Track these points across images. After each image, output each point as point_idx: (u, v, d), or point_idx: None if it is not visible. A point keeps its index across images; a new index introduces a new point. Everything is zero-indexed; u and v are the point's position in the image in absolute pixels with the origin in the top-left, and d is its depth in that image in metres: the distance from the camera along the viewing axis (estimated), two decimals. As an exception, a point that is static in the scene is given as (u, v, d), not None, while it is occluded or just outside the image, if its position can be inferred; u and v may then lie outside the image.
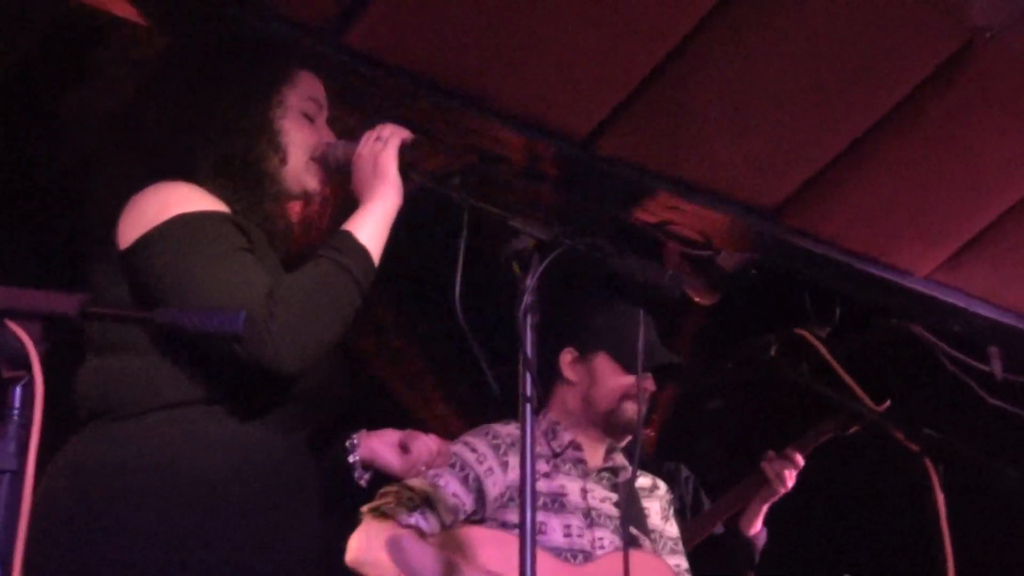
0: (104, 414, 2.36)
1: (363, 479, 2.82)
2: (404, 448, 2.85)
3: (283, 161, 2.60)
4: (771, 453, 4.19)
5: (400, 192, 2.56)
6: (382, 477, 2.91)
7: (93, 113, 3.61)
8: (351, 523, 3.19)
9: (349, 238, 2.48)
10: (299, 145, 2.63)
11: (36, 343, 1.54)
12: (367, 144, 2.60)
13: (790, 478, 4.18)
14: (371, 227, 2.51)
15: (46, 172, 3.82)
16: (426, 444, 2.87)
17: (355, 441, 2.81)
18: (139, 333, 2.37)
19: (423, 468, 2.88)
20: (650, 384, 3.55)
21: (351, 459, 2.80)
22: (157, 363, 2.36)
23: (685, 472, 4.54)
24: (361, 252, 2.47)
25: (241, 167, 2.55)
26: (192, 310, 1.69)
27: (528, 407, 2.20)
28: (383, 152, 2.56)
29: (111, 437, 2.33)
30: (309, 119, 2.68)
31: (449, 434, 3.49)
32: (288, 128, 2.63)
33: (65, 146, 3.76)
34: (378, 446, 2.83)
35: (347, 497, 2.90)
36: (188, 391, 2.35)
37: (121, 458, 2.30)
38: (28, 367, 1.54)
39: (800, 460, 4.17)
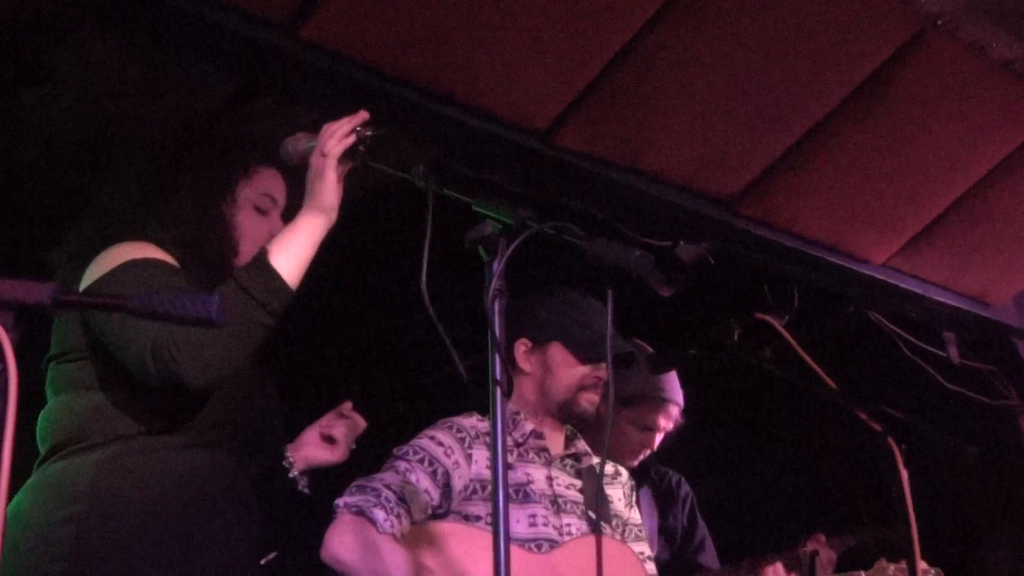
0: (65, 445, 2.55)
1: (304, 486, 3.05)
2: (329, 439, 3.08)
3: (234, 252, 2.76)
4: (820, 537, 4.00)
5: (330, 211, 2.64)
6: (323, 475, 3.10)
7: (51, 113, 3.61)
8: (326, 518, 3.21)
9: (260, 259, 2.58)
10: (249, 238, 2.77)
11: (8, 331, 1.54)
12: (315, 154, 2.66)
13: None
14: (290, 245, 2.61)
15: (5, 172, 3.80)
16: (341, 425, 3.08)
17: (289, 458, 3.03)
18: (87, 372, 2.59)
19: (353, 445, 3.09)
20: (603, 374, 3.56)
21: (292, 475, 3.03)
22: (112, 397, 2.56)
23: (685, 488, 4.48)
24: (268, 272, 2.56)
25: (193, 251, 2.71)
26: (165, 296, 1.70)
27: (498, 391, 2.21)
28: (323, 171, 2.63)
29: (74, 465, 2.51)
30: (262, 213, 2.82)
31: (414, 426, 3.50)
32: (240, 222, 2.79)
33: (23, 146, 3.75)
34: (307, 452, 3.07)
35: (303, 507, 3.09)
36: (138, 424, 2.54)
37: (83, 483, 2.48)
38: (1, 356, 1.54)
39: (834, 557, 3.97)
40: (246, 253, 2.74)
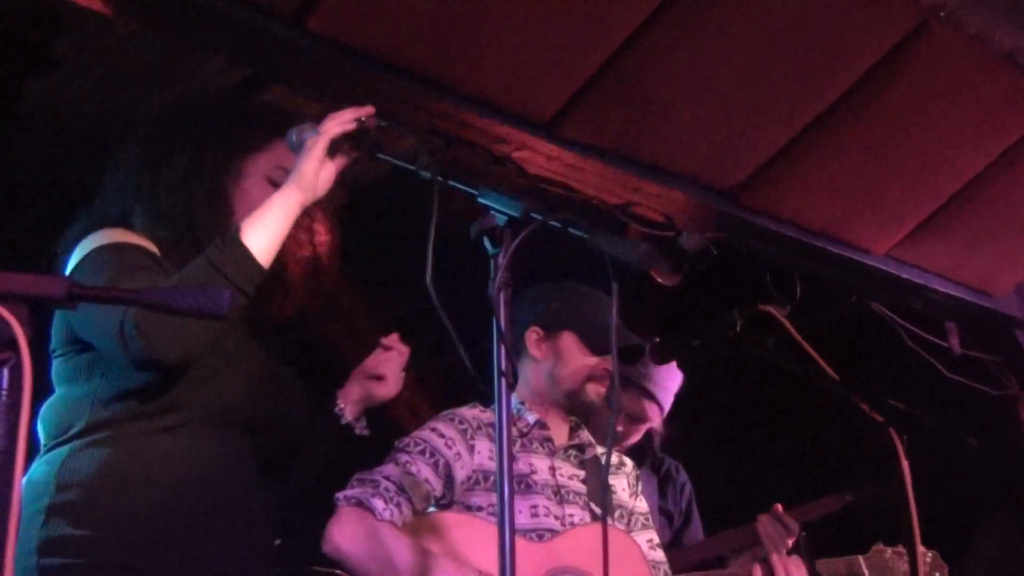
0: (49, 442, 2.58)
1: (363, 428, 3.05)
2: (378, 376, 3.06)
3: (230, 224, 2.70)
4: (776, 509, 4.02)
5: (308, 188, 2.63)
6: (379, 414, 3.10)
7: (56, 103, 3.62)
8: (328, 509, 3.23)
9: (231, 236, 2.57)
10: (252, 208, 2.71)
11: (23, 325, 1.56)
12: (312, 133, 2.67)
13: (782, 544, 3.91)
14: (263, 223, 2.60)
15: (9, 162, 3.81)
16: (387, 360, 3.07)
17: (341, 406, 3.01)
18: (71, 366, 2.63)
19: (404, 374, 3.07)
20: (610, 365, 3.58)
21: (345, 421, 3.01)
22: (82, 393, 2.59)
23: (683, 477, 4.51)
24: (238, 249, 2.55)
25: (180, 222, 2.71)
26: (178, 289, 1.72)
27: (503, 382, 2.23)
28: (309, 148, 2.63)
29: (50, 461, 2.54)
30: (275, 185, 2.75)
31: (417, 418, 3.53)
32: (247, 193, 2.77)
33: (29, 136, 3.76)
34: (359, 394, 3.05)
35: (356, 453, 3.10)
36: (109, 414, 2.55)
37: (57, 477, 2.50)
38: (16, 349, 1.56)
39: (797, 529, 3.94)
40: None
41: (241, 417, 2.67)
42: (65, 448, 2.54)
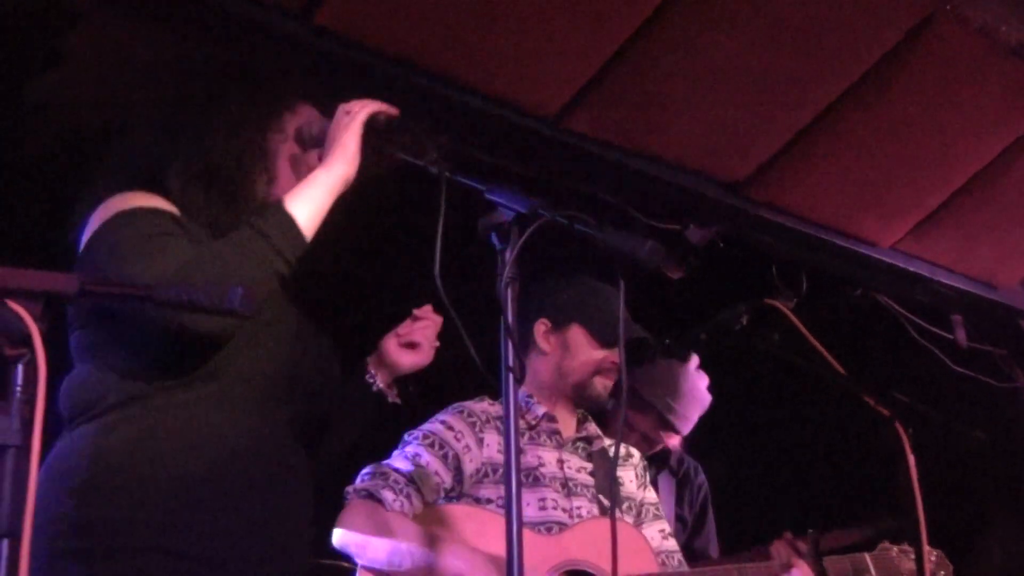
0: (76, 418, 2.46)
1: (395, 397, 2.99)
2: (411, 344, 3.01)
3: (270, 182, 2.67)
4: (787, 535, 3.90)
5: (352, 162, 2.60)
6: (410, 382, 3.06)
7: (65, 98, 3.63)
8: (337, 505, 3.24)
9: (276, 206, 2.53)
10: (286, 170, 2.70)
11: (37, 321, 1.57)
12: (336, 117, 2.64)
13: (796, 570, 3.79)
14: (307, 194, 2.56)
15: (16, 157, 3.82)
16: (421, 328, 3.02)
17: (372, 372, 2.96)
18: (102, 336, 2.50)
19: (437, 343, 3.02)
20: (618, 359, 3.59)
21: (376, 388, 2.95)
22: (111, 363, 2.46)
23: (702, 479, 4.52)
24: (284, 218, 2.51)
25: (223, 182, 2.63)
26: (189, 286, 1.72)
27: (511, 377, 2.24)
28: (347, 124, 2.61)
29: (77, 437, 2.43)
30: (302, 147, 2.73)
31: (425, 411, 3.54)
32: (286, 152, 2.72)
33: (36, 131, 3.77)
34: (392, 361, 3.00)
35: (386, 421, 3.04)
36: (138, 386, 2.43)
37: (82, 455, 2.39)
38: (30, 345, 1.58)
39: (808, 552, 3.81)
40: (284, 186, 2.67)
41: (281, 386, 2.56)
42: (94, 424, 2.42)
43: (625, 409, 4.22)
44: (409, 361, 3.01)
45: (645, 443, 4.36)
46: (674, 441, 4.43)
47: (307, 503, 2.62)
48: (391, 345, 3.02)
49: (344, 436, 2.90)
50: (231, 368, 2.47)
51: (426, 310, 3.03)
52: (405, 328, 3.05)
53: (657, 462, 4.32)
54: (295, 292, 2.68)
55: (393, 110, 2.67)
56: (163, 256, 2.39)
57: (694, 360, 4.50)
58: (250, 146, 2.67)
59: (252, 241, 2.45)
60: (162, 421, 2.41)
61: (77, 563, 2.30)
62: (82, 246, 2.53)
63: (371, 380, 2.97)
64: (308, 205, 2.54)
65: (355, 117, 2.62)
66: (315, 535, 2.81)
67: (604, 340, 3.59)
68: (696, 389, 4.42)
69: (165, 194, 2.61)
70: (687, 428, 4.40)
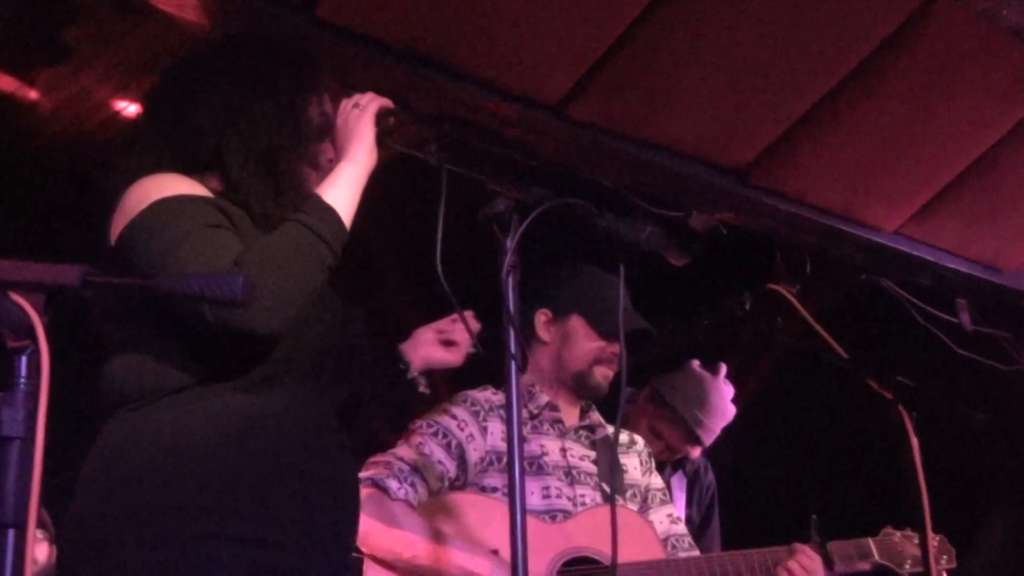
0: (121, 405, 2.42)
1: (425, 387, 3.00)
2: (448, 342, 3.03)
3: (315, 165, 2.64)
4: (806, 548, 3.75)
5: (373, 154, 2.60)
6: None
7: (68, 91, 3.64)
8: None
9: (316, 200, 2.50)
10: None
11: (40, 313, 1.58)
12: (345, 111, 2.64)
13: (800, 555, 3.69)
14: (340, 187, 2.54)
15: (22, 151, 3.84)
16: (462, 329, 3.00)
17: (407, 358, 2.97)
18: (143, 327, 2.44)
19: (471, 349, 3.02)
20: (619, 349, 3.60)
21: (411, 375, 2.96)
22: (160, 352, 2.41)
23: (710, 477, 4.54)
24: (328, 211, 2.49)
25: (278, 163, 2.58)
26: (190, 276, 1.72)
27: (513, 364, 2.25)
28: (360, 117, 2.61)
29: (129, 424, 2.39)
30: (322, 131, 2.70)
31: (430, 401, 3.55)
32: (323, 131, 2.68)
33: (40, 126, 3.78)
34: (425, 352, 3.01)
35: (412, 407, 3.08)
36: (191, 374, 2.40)
37: (138, 442, 2.36)
38: (33, 337, 1.59)
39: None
40: (321, 171, 2.63)
41: (327, 369, 2.54)
42: (140, 411, 2.39)
43: (653, 417, 4.30)
44: (441, 357, 3.03)
45: (668, 452, 4.39)
46: (696, 452, 4.46)
47: (357, 488, 2.63)
48: (428, 337, 3.04)
49: (370, 419, 2.87)
50: (281, 352, 2.44)
51: (468, 315, 2.92)
52: (446, 324, 3.06)
53: (672, 463, 4.35)
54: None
55: (391, 104, 2.67)
56: (215, 251, 2.35)
57: (722, 371, 4.53)
58: (306, 128, 2.63)
59: (302, 235, 2.42)
60: (210, 407, 2.38)
61: (146, 550, 2.27)
62: (118, 233, 2.45)
63: (404, 367, 2.98)
64: (343, 199, 2.53)
65: (366, 109, 2.62)
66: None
67: (603, 330, 3.59)
68: (724, 402, 4.47)
69: (203, 175, 2.55)
70: (711, 440, 4.45)
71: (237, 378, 2.41)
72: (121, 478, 2.33)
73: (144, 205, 2.41)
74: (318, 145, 2.67)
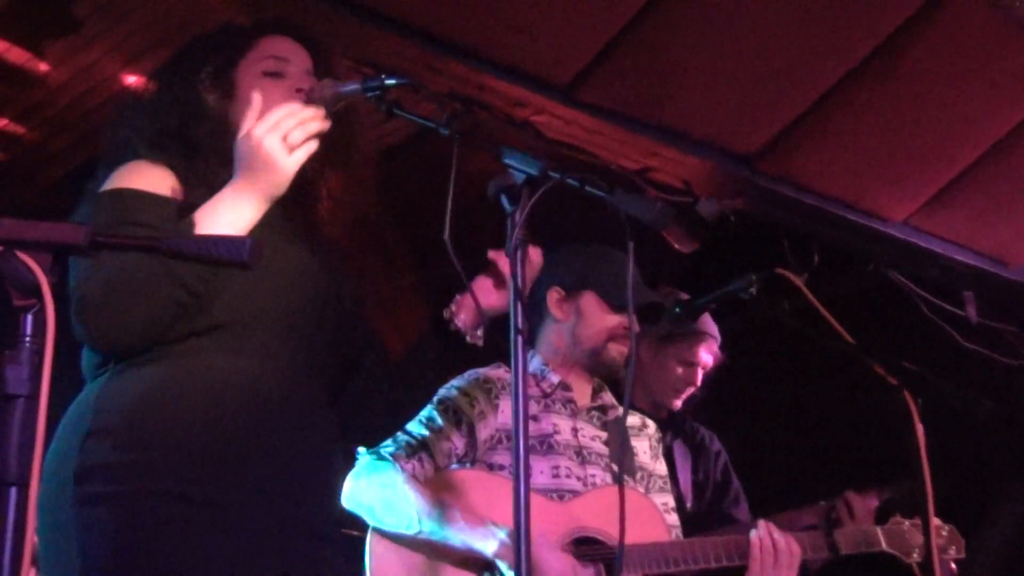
0: (91, 374, 2.45)
1: (478, 338, 2.83)
2: (500, 284, 2.82)
3: (227, 131, 2.54)
4: (849, 495, 3.94)
5: (279, 184, 2.45)
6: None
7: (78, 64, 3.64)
8: (350, 463, 3.25)
9: (188, 229, 2.41)
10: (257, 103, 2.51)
11: (46, 272, 1.58)
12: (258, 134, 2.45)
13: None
14: (216, 224, 2.41)
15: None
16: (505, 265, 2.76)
17: (452, 309, 2.81)
18: None
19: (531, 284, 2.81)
20: (633, 324, 3.58)
21: (454, 327, 2.81)
22: None
23: (717, 446, 4.51)
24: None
25: (175, 142, 2.56)
26: (198, 237, 1.72)
27: (520, 339, 2.24)
28: (294, 158, 2.44)
29: (99, 387, 2.40)
30: (273, 75, 2.62)
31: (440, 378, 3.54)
32: (240, 95, 2.59)
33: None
34: (487, 301, 2.78)
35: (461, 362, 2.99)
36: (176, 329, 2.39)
37: (109, 403, 2.37)
38: (39, 295, 1.59)
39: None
40: (243, 98, 2.56)
41: (279, 316, 2.49)
42: (104, 375, 2.41)
43: (659, 358, 4.26)
44: (494, 301, 2.79)
45: (688, 369, 4.32)
46: (712, 351, 4.36)
47: (330, 453, 2.59)
48: (486, 284, 2.81)
49: (421, 373, 2.86)
50: (236, 315, 2.43)
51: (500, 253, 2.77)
52: (496, 272, 2.82)
53: (672, 428, 4.31)
54: (298, 237, 2.61)
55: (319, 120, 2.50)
56: (96, 269, 2.32)
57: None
58: (181, 106, 2.60)
59: (154, 266, 2.33)
60: (177, 369, 2.39)
61: (103, 507, 2.29)
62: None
63: (449, 317, 2.82)
64: (224, 224, 2.40)
65: (295, 152, 2.43)
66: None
67: (617, 306, 3.57)
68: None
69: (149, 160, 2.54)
70: (715, 329, 4.34)
71: (194, 340, 2.41)
72: (87, 437, 2.34)
73: (99, 192, 2.46)
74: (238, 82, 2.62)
